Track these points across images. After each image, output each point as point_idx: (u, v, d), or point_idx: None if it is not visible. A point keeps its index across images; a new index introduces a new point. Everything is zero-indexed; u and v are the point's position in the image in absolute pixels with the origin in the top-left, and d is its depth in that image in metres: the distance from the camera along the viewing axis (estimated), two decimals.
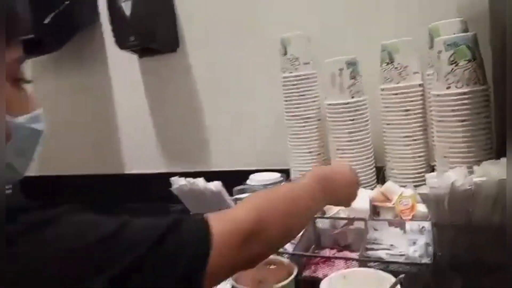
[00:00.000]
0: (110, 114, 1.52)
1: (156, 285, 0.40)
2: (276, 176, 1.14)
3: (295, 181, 0.58)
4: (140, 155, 1.50)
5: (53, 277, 0.36)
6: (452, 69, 0.78)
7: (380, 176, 1.02)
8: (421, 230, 0.79)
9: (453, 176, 0.64)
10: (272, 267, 0.68)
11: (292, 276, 0.62)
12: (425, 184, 0.71)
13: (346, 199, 0.69)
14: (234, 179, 1.08)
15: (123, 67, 1.45)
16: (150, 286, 0.40)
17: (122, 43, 1.31)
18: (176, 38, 1.35)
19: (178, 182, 0.89)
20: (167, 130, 1.44)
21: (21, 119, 0.46)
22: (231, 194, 1.02)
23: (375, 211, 0.90)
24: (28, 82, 0.47)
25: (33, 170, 1.66)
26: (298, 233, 0.66)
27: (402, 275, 0.57)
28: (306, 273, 0.80)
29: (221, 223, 0.46)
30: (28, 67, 1.61)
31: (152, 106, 1.45)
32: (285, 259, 0.71)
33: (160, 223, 0.44)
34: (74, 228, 0.40)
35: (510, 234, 0.65)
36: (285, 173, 1.14)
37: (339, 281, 0.60)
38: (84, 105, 1.57)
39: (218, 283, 0.49)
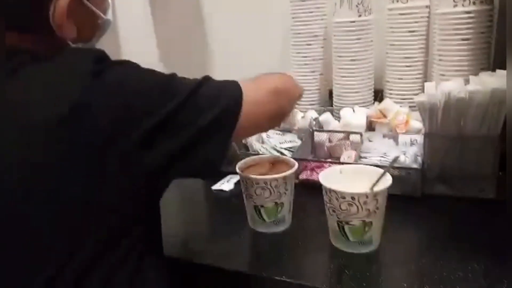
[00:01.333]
0: (113, 30, 1.51)
1: (197, 121, 0.49)
2: None
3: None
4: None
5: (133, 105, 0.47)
6: None
7: (378, 98, 1.06)
8: (413, 143, 0.85)
9: (450, 85, 0.68)
10: (274, 164, 0.74)
11: (294, 168, 0.68)
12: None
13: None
14: None
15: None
16: (192, 121, 0.49)
17: None
18: None
19: None
20: (172, 45, 1.44)
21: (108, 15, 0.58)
22: None
23: (371, 127, 0.95)
24: None
25: None
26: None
27: (391, 163, 0.63)
28: (302, 176, 0.86)
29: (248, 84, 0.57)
30: None
31: (157, 20, 1.43)
32: (286, 157, 0.76)
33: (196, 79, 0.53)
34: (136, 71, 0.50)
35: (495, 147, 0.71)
36: None
37: (335, 174, 0.66)
38: None
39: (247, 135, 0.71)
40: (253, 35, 1.29)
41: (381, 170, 0.63)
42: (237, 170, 0.69)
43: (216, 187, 0.87)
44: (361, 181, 0.63)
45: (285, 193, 0.67)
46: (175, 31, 1.42)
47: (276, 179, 0.65)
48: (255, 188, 0.66)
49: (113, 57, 0.50)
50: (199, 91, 0.51)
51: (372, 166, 0.66)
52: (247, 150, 0.91)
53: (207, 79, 0.54)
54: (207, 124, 0.50)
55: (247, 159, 0.74)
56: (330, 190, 0.60)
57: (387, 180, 0.61)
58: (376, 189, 0.58)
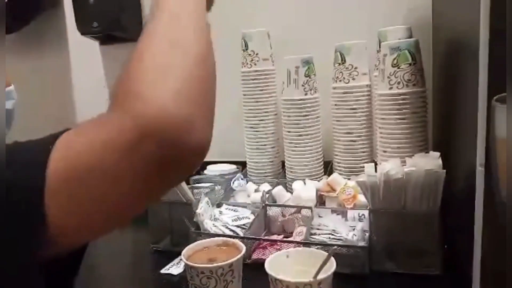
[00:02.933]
0: (68, 100, 1.50)
1: None
2: (232, 167, 1.18)
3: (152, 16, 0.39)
4: None
5: None
6: (395, 71, 0.85)
7: (328, 170, 1.09)
8: (361, 218, 0.87)
9: (388, 166, 0.71)
10: (223, 248, 0.73)
11: (241, 254, 0.67)
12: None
13: None
14: None
15: (83, 52, 1.44)
16: None
17: (84, 29, 1.30)
18: (140, 27, 1.36)
19: None
20: None
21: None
22: (188, 183, 1.05)
23: (321, 200, 0.97)
24: None
25: None
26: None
27: (333, 247, 0.63)
28: (255, 256, 0.85)
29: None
30: None
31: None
32: (235, 240, 0.75)
33: None
34: None
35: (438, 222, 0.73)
36: (242, 165, 1.19)
37: (282, 259, 0.65)
38: (42, 89, 1.54)
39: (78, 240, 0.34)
40: None
41: (325, 253, 0.63)
42: (182, 257, 0.67)
43: (164, 270, 0.84)
44: (307, 266, 0.63)
45: (232, 281, 0.65)
46: None
47: (221, 267, 0.64)
48: (200, 278, 0.64)
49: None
50: None
51: (318, 250, 0.66)
52: (197, 229, 0.90)
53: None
54: None
55: (195, 244, 0.72)
56: (276, 279, 0.59)
57: (332, 265, 0.61)
58: (320, 276, 0.58)
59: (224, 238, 0.75)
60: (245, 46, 1.09)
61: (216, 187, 1.06)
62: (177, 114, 0.32)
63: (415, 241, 0.75)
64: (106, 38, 1.37)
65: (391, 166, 0.71)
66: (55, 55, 1.48)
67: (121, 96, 0.35)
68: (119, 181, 0.31)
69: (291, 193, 1.01)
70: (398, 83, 0.86)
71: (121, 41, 1.37)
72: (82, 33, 1.31)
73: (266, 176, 1.14)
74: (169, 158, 0.32)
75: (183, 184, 0.91)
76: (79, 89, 1.49)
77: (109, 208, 0.33)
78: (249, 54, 1.09)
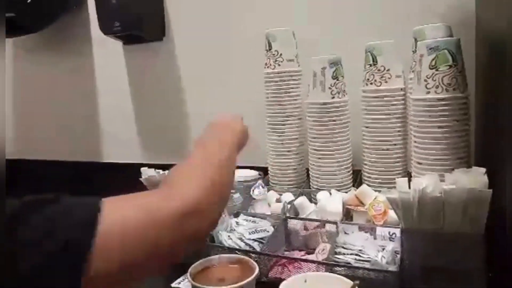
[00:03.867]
0: (91, 100, 1.49)
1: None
2: (254, 173, 1.12)
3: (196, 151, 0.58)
4: (118, 144, 1.47)
5: None
6: (433, 73, 0.76)
7: (357, 180, 1.01)
8: (391, 237, 0.78)
9: (423, 182, 0.62)
10: (234, 266, 0.66)
11: (253, 276, 0.60)
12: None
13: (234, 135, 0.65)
14: None
15: (106, 52, 1.42)
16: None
17: (107, 29, 1.28)
18: (162, 27, 1.33)
19: (147, 173, 0.86)
20: (146, 120, 1.42)
21: None
22: None
23: (348, 214, 0.89)
24: None
25: (10, 153, 1.65)
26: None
27: (357, 282, 0.55)
28: (272, 274, 0.78)
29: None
30: (10, 46, 1.57)
31: (134, 94, 1.42)
32: (248, 258, 0.68)
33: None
34: None
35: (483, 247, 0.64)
36: (263, 171, 1.12)
37: (299, 284, 0.58)
38: (65, 89, 1.53)
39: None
40: (228, 110, 1.27)
41: (349, 282, 0.56)
42: (188, 277, 0.61)
43: (175, 284, 0.79)
44: None
45: None
46: (153, 106, 1.40)
47: None
48: None
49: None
50: (26, 220, 0.33)
51: (339, 276, 0.58)
52: (211, 241, 0.84)
53: (50, 200, 0.36)
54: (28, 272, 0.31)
55: (204, 260, 0.66)
56: None
57: None
58: None
59: (236, 255, 0.68)
60: (269, 46, 1.03)
61: (234, 195, 1.00)
62: (207, 205, 0.46)
63: (454, 268, 0.65)
64: (129, 38, 1.34)
65: (427, 182, 0.62)
66: (79, 54, 1.47)
67: (172, 185, 0.47)
68: (159, 245, 0.41)
69: (315, 203, 0.93)
70: (437, 87, 0.76)
71: (144, 41, 1.34)
72: (105, 33, 1.29)
73: (289, 185, 1.06)
74: (197, 232, 0.44)
75: None
76: (102, 88, 1.47)
77: (147, 263, 0.41)
78: (273, 55, 1.02)
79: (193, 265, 0.64)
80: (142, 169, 0.87)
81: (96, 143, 1.50)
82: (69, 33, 1.46)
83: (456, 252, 0.66)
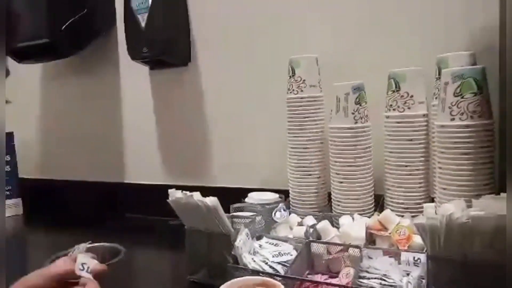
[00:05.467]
0: (117, 122, 1.53)
1: None
2: (275, 196, 1.13)
3: None
4: (142, 166, 1.50)
5: None
6: (458, 101, 0.77)
7: (379, 205, 1.01)
8: (416, 262, 0.77)
9: (451, 208, 0.63)
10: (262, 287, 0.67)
11: None
12: (422, 214, 0.69)
13: None
14: (233, 196, 1.07)
15: (133, 77, 1.47)
16: None
17: (134, 54, 1.33)
18: (188, 52, 1.37)
19: (174, 195, 0.88)
20: (171, 143, 1.45)
21: None
22: (228, 211, 1.01)
23: (371, 239, 0.89)
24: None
25: (35, 173, 1.70)
26: None
27: None
28: None
29: None
30: (40, 70, 1.64)
31: (159, 117, 1.46)
32: (274, 281, 0.69)
33: None
34: None
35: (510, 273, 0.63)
36: (284, 193, 1.13)
37: None
38: (92, 111, 1.58)
39: None
40: (251, 136, 1.30)
41: None
42: None
43: None
44: None
45: None
46: (177, 129, 1.43)
47: None
48: None
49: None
50: None
51: None
52: (236, 263, 0.85)
53: None
54: None
55: (231, 282, 0.67)
56: None
57: None
58: None
59: (264, 278, 0.69)
60: (292, 72, 1.05)
61: (256, 218, 1.01)
62: None
63: None
64: (156, 63, 1.39)
65: (454, 209, 0.62)
66: (106, 79, 1.52)
67: None
68: None
69: (338, 228, 0.93)
70: (461, 114, 0.77)
71: (170, 66, 1.39)
72: (133, 58, 1.34)
73: (310, 208, 1.07)
74: None
75: (222, 214, 0.87)
76: (127, 111, 1.52)
77: None
78: (296, 81, 1.05)
79: (220, 287, 0.65)
80: (170, 190, 0.88)
81: (121, 165, 1.54)
82: (97, 58, 1.53)
83: (484, 282, 0.65)
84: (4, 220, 0.37)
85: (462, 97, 0.77)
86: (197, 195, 0.86)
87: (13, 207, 1.57)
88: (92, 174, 1.57)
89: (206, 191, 0.87)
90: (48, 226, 1.43)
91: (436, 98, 0.90)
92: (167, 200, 0.88)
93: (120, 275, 0.94)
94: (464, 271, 0.65)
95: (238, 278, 0.69)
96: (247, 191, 1.15)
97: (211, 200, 0.85)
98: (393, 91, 0.93)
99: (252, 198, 1.12)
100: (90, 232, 1.13)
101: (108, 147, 1.56)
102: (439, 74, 0.88)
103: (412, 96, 0.91)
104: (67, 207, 1.51)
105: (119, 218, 1.43)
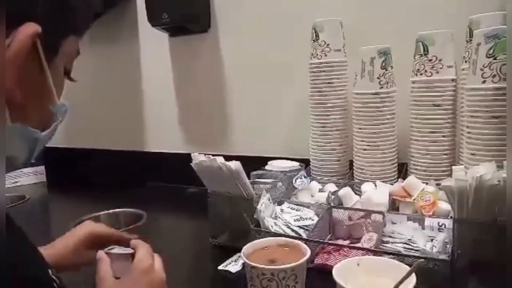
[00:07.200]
0: (137, 91, 1.53)
1: None
2: (295, 164, 1.12)
3: None
4: (162, 134, 1.51)
5: None
6: (490, 62, 0.74)
7: (403, 172, 0.99)
8: (441, 228, 0.77)
9: (481, 169, 0.61)
10: (285, 249, 0.67)
11: (305, 258, 0.61)
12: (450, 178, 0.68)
13: None
14: (254, 164, 1.07)
15: (153, 44, 1.46)
16: None
17: (154, 20, 1.31)
18: (208, 19, 1.35)
19: (198, 158, 0.89)
20: (191, 111, 1.45)
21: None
22: (249, 178, 1.01)
23: (394, 206, 0.88)
24: (71, 79, 0.45)
25: (58, 141, 1.72)
26: None
27: (419, 260, 0.55)
28: (318, 260, 0.79)
29: None
30: None
31: (179, 85, 1.45)
32: (298, 242, 0.69)
33: None
34: None
35: None
36: (304, 162, 1.12)
37: (352, 267, 0.59)
38: (111, 80, 1.59)
39: None
40: (272, 103, 1.28)
41: (405, 267, 0.55)
42: (242, 256, 0.63)
43: (222, 267, 0.80)
44: (380, 276, 0.56)
45: (295, 286, 0.60)
46: (198, 96, 1.42)
47: (284, 270, 0.59)
48: (261, 279, 0.59)
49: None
50: None
51: (394, 261, 0.58)
52: (257, 226, 0.85)
53: None
54: None
55: (255, 242, 0.68)
56: None
57: (411, 281, 0.53)
58: None
59: (287, 239, 0.69)
60: (316, 37, 1.03)
61: (277, 184, 1.01)
62: None
63: (509, 260, 0.64)
64: (176, 30, 1.37)
65: (485, 170, 0.61)
66: (126, 47, 1.52)
67: None
68: None
69: (359, 195, 0.93)
70: (493, 76, 0.74)
71: (190, 33, 1.37)
72: (153, 25, 1.33)
73: (331, 176, 1.06)
74: None
75: (244, 177, 0.87)
76: (147, 78, 1.51)
77: None
78: (320, 45, 1.02)
79: (245, 247, 0.65)
80: (193, 154, 0.89)
81: (141, 133, 1.55)
82: (118, 25, 1.51)
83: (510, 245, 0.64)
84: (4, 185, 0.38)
85: (494, 58, 0.74)
86: (220, 159, 0.86)
87: (38, 174, 1.61)
88: (112, 142, 1.59)
89: (226, 160, 0.87)
90: (71, 193, 1.46)
91: (466, 61, 0.87)
92: (190, 164, 0.89)
93: (143, 239, 0.95)
94: (492, 234, 0.64)
95: (262, 239, 0.70)
96: (268, 159, 1.15)
97: (234, 164, 0.85)
98: (421, 55, 0.90)
99: (272, 165, 1.12)
100: (112, 198, 1.15)
101: (129, 115, 1.56)
102: (471, 36, 0.85)
103: (440, 60, 0.88)
104: (90, 175, 1.54)
105: (141, 186, 1.45)
